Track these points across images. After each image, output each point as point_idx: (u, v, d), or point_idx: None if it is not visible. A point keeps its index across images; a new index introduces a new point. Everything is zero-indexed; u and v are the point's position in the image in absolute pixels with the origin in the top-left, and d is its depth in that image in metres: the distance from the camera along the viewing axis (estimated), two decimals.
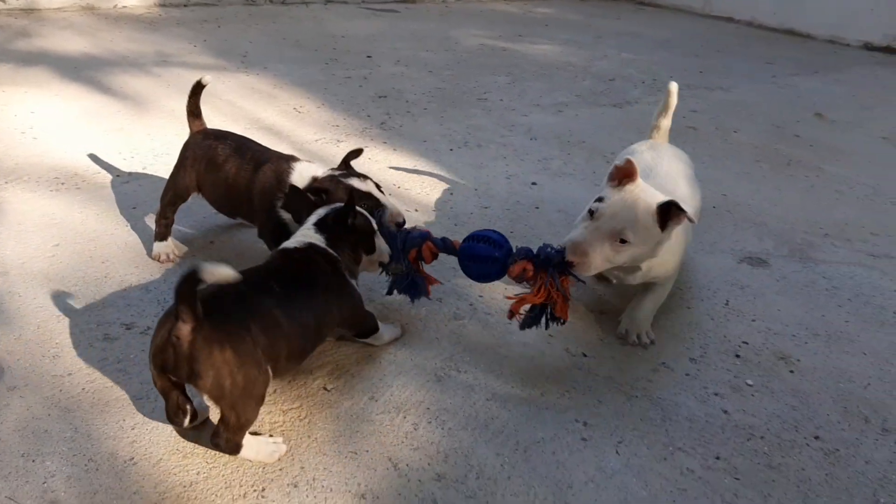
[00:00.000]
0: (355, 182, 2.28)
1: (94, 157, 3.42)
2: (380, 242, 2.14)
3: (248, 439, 1.72)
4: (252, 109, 4.31)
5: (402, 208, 2.41)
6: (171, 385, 1.71)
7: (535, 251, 2.05)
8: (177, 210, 2.64)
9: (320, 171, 2.38)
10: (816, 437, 1.98)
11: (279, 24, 6.84)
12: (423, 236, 2.19)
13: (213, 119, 4.04)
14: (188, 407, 1.74)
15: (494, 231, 2.12)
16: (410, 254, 2.18)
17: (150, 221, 2.83)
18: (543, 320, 2.09)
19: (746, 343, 2.38)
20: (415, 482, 1.72)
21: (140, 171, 3.34)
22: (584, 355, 2.26)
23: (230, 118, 4.09)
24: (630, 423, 1.97)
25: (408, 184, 3.43)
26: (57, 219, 2.82)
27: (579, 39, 7.16)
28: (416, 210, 3.15)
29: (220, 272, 1.55)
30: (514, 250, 2.07)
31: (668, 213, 2.00)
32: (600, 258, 2.02)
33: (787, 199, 3.59)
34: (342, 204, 2.04)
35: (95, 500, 1.61)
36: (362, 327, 2.13)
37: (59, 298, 2.33)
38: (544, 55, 6.37)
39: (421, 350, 2.22)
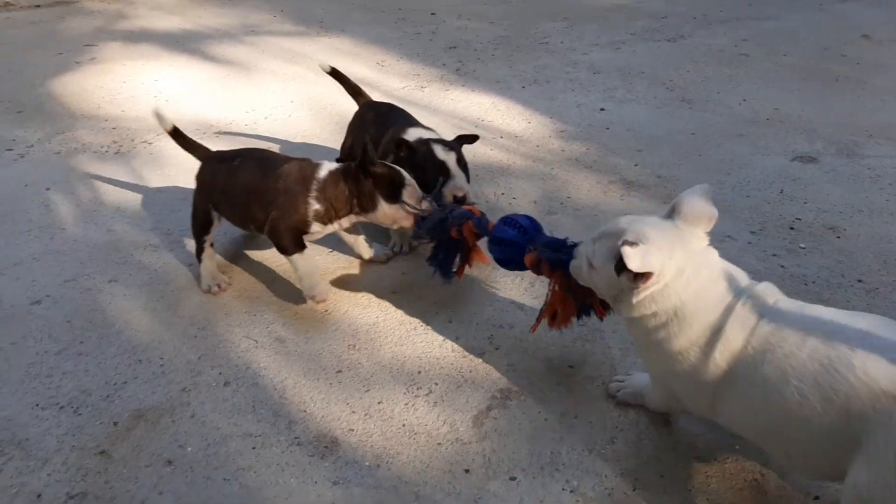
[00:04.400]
0: (437, 148, 2.39)
1: (222, 113, 4.02)
2: (386, 207, 2.18)
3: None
4: (341, 66, 4.76)
5: (469, 189, 2.41)
6: None
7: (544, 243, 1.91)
8: None
9: (431, 136, 2.57)
10: (860, 281, 2.44)
11: None
12: (464, 216, 2.10)
13: (310, 76, 4.59)
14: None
15: (525, 217, 2.01)
16: (452, 231, 2.12)
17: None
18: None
19: (799, 219, 2.82)
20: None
21: (263, 119, 3.92)
22: None
23: (324, 75, 4.62)
24: None
25: (489, 117, 3.92)
26: None
27: None
28: (501, 137, 3.65)
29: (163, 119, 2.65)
30: (539, 239, 1.94)
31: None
32: (579, 266, 1.74)
33: (835, 109, 3.95)
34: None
35: (308, 336, 2.20)
36: (275, 238, 2.27)
37: None
38: None
39: None
